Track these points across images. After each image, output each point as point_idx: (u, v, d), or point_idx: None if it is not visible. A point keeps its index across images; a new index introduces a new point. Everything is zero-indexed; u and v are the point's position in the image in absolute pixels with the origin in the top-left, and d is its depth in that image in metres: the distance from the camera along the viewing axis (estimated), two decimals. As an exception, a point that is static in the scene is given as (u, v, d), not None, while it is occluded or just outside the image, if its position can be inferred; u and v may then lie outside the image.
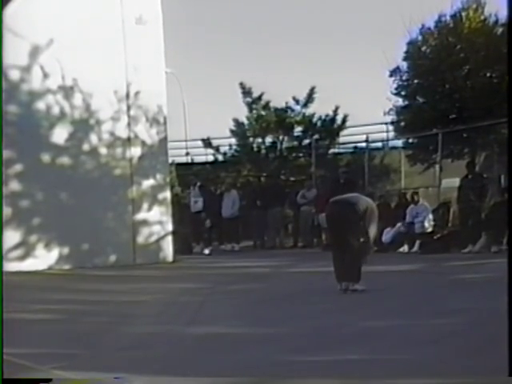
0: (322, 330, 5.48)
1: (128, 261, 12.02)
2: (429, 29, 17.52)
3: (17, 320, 5.89)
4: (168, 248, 12.89)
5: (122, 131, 12.60)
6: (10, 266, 10.56)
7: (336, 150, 18.15)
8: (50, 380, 3.57)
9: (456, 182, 13.29)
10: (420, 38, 17.62)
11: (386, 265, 10.73)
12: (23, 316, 6.28)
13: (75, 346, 5.01)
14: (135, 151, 12.76)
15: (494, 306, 5.07)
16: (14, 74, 11.34)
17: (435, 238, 12.86)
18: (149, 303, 7.53)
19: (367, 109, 19.92)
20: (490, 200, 12.40)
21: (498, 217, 11.71)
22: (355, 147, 17.49)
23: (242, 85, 18.07)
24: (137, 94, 12.68)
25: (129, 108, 12.67)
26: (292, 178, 17.48)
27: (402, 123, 17.66)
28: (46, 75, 11.68)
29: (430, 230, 12.99)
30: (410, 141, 17.08)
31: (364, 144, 16.43)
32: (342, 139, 17.97)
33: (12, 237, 10.97)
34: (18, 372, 3.93)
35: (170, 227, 13.01)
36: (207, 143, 18.25)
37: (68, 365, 4.27)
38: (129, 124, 12.69)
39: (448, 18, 17.34)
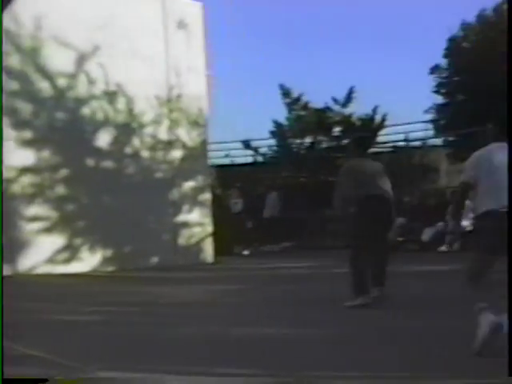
0: (358, 331, 5.49)
1: (169, 262, 12.11)
2: (469, 24, 17.29)
3: (62, 322, 6.12)
4: (208, 249, 13.04)
5: (164, 134, 12.76)
6: (57, 269, 10.90)
7: (375, 150, 18.02)
8: (47, 380, 3.56)
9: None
10: (461, 33, 17.41)
11: (426, 265, 10.71)
12: (67, 318, 6.39)
13: (119, 347, 5.08)
14: (176, 154, 12.92)
15: None
16: (61, 82, 11.60)
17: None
18: (191, 304, 7.55)
19: (407, 107, 19.82)
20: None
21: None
22: (394, 146, 17.40)
23: (281, 86, 18.15)
24: (178, 97, 12.86)
25: (170, 111, 12.84)
26: (331, 179, 17.40)
27: (442, 121, 17.51)
28: (91, 81, 11.89)
29: (470, 228, 12.84)
30: (451, 139, 16.92)
31: (403, 143, 16.32)
32: (381, 138, 17.91)
33: (58, 240, 11.26)
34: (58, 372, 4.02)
35: (210, 229, 13.14)
36: (247, 145, 18.34)
37: (112, 366, 4.36)
38: (170, 127, 12.86)
39: (489, 12, 17.11)
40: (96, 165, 12.01)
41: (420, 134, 17.52)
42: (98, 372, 4.16)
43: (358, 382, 4.03)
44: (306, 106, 18.04)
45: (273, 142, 18.42)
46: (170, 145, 12.88)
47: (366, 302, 6.35)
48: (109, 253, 11.89)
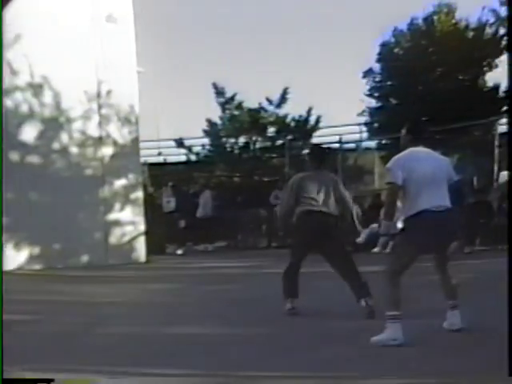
0: (294, 330, 5.47)
1: (100, 261, 11.90)
2: (401, 31, 17.64)
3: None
4: (141, 248, 12.84)
5: (93, 130, 12.50)
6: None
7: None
8: (50, 380, 3.59)
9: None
10: (393, 40, 17.73)
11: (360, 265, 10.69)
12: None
13: (48, 347, 4.95)
14: (107, 151, 12.69)
15: (465, 306, 5.05)
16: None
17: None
18: (122, 304, 7.43)
19: (341, 110, 19.96)
20: (463, 201, 12.40)
21: (471, 218, 11.79)
22: (329, 148, 17.47)
23: (214, 85, 17.99)
24: (108, 92, 12.57)
25: (100, 107, 12.57)
26: (266, 179, 17.41)
27: (376, 124, 17.74)
28: (14, 72, 11.47)
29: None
30: (384, 142, 17.15)
31: (337, 145, 16.40)
32: (315, 140, 17.96)
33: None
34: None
35: (142, 227, 12.96)
36: (180, 143, 18.11)
37: (40, 366, 4.21)
38: (100, 123, 12.60)
39: (420, 21, 17.50)
40: (21, 160, 11.63)
41: (354, 137, 17.68)
42: (20, 373, 4.01)
43: (288, 382, 4.06)
44: (239, 106, 17.92)
45: (206, 140, 18.25)
46: (100, 141, 12.60)
47: (291, 307, 6.15)
48: (36, 250, 11.57)
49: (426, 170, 4.85)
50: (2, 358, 3.65)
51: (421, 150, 4.99)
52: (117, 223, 12.59)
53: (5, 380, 3.57)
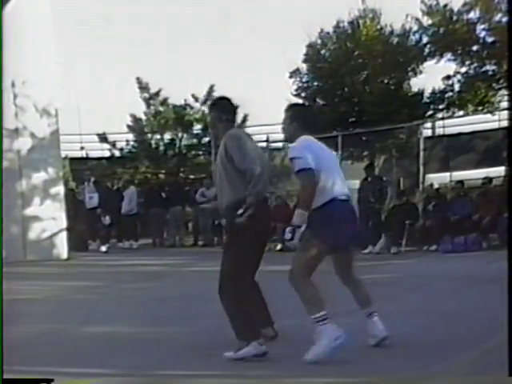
0: (219, 330, 5.22)
1: (18, 257, 11.31)
2: (328, 33, 17.75)
3: None
4: (62, 245, 12.41)
5: (9, 121, 11.92)
6: None
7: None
8: (50, 380, 3.55)
9: (356, 183, 13.38)
10: (319, 41, 17.82)
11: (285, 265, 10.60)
12: None
13: None
14: (24, 143, 12.21)
15: (392, 306, 5.02)
16: None
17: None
18: (42, 301, 7.19)
19: (268, 109, 19.84)
20: (389, 202, 12.56)
21: (397, 219, 11.96)
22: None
23: (138, 80, 17.62)
24: (24, 82, 12.02)
25: (15, 97, 12.03)
26: (192, 176, 17.17)
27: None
28: None
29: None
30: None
31: (264, 144, 16.33)
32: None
33: None
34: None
35: (63, 223, 12.54)
36: (103, 138, 17.63)
37: None
38: (16, 114, 12.10)
39: (346, 24, 17.65)
40: None
41: (281, 136, 17.59)
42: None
43: (208, 381, 4.03)
44: (164, 102, 17.62)
45: (131, 136, 17.83)
46: (16, 132, 12.10)
47: (259, 352, 4.26)
48: None
49: (330, 159, 4.48)
50: (2, 357, 3.65)
51: (313, 139, 4.44)
52: (36, 218, 12.11)
53: (5, 380, 3.56)
